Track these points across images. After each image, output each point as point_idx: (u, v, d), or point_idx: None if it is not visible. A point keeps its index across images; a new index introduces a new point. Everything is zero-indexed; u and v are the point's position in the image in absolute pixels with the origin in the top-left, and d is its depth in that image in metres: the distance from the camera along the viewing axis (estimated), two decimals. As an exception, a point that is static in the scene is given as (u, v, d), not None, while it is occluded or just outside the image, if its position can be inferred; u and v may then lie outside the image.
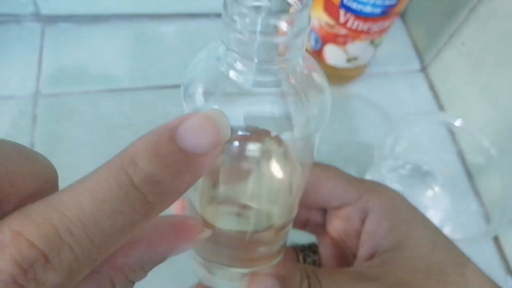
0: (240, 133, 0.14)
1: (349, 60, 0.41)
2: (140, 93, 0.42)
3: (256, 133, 0.15)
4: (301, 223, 0.24)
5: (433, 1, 0.47)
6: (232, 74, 0.14)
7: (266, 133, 0.15)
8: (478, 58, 0.41)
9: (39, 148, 0.37)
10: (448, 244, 0.19)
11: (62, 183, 0.39)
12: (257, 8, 0.13)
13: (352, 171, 0.41)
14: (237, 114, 0.14)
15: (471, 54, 0.42)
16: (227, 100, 0.14)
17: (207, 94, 0.14)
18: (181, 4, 0.46)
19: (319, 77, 0.16)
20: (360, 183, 0.22)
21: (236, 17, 0.12)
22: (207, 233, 0.15)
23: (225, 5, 0.13)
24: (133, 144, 0.12)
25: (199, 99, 0.14)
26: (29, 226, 0.10)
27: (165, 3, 0.45)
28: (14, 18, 0.43)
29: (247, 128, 0.15)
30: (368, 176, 0.38)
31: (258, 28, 0.12)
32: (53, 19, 0.44)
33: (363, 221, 0.21)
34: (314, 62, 0.16)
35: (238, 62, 0.13)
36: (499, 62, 0.39)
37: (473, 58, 0.42)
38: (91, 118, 0.39)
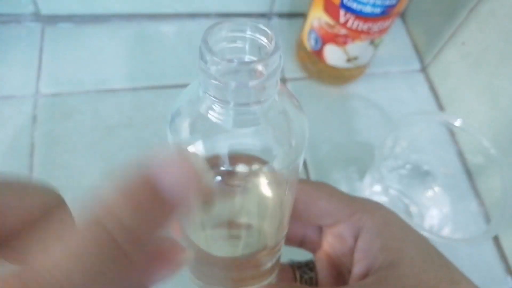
0: (226, 161, 0.15)
1: (349, 60, 0.42)
2: (140, 93, 0.42)
3: (242, 159, 0.16)
4: (297, 241, 0.24)
5: (433, 1, 0.47)
6: (211, 116, 0.14)
7: (251, 159, 0.16)
8: (478, 58, 0.41)
9: (39, 148, 0.37)
10: (441, 261, 0.19)
11: (62, 183, 0.39)
12: (232, 49, 0.14)
13: (352, 171, 0.41)
14: (220, 148, 0.15)
15: (471, 54, 0.42)
16: (210, 135, 0.15)
17: (192, 128, 0.15)
18: (181, 4, 0.46)
19: (295, 107, 0.16)
20: (352, 200, 0.22)
21: (210, 64, 0.13)
22: (189, 254, 0.15)
23: (200, 52, 0.13)
24: (106, 188, 0.11)
25: (184, 133, 0.15)
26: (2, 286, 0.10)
27: (165, 3, 0.45)
28: (14, 18, 0.43)
29: (233, 156, 0.15)
30: (368, 176, 0.38)
31: (232, 75, 0.13)
32: (53, 19, 0.44)
33: (356, 238, 0.21)
34: (289, 92, 0.17)
35: (215, 105, 0.14)
36: (499, 62, 0.39)
37: (473, 58, 0.42)
38: (91, 118, 0.39)
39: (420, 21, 0.50)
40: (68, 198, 0.14)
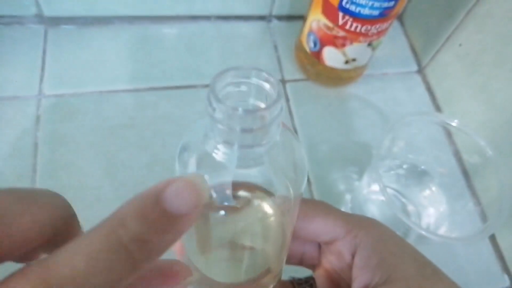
0: (229, 190, 0.16)
1: (347, 61, 0.42)
2: (142, 94, 0.42)
3: (245, 187, 0.17)
4: (297, 259, 0.25)
5: (430, 3, 0.47)
6: (216, 154, 0.15)
7: (254, 187, 0.17)
8: (475, 60, 0.42)
9: (42, 149, 0.38)
10: (437, 276, 0.20)
11: (65, 183, 0.39)
12: (238, 93, 0.15)
13: (350, 171, 0.42)
14: (225, 182, 0.16)
15: (468, 56, 0.43)
16: (215, 169, 0.16)
17: (198, 164, 0.16)
18: (182, 7, 0.47)
19: (293, 140, 0.17)
20: (348, 218, 0.22)
21: (217, 111, 0.14)
22: (194, 277, 0.16)
23: (207, 99, 0.14)
24: (122, 206, 0.13)
25: (191, 168, 0.16)
26: (25, 285, 0.11)
27: (166, 5, 0.46)
28: (17, 20, 0.44)
29: (236, 184, 0.16)
30: (366, 176, 0.38)
31: (237, 119, 0.14)
32: (56, 21, 0.45)
33: (353, 255, 0.21)
34: (286, 126, 0.17)
35: (221, 146, 0.15)
36: (495, 63, 0.39)
37: (470, 60, 0.42)
38: (94, 119, 0.40)
39: (417, 23, 0.50)
40: (70, 197, 0.15)
